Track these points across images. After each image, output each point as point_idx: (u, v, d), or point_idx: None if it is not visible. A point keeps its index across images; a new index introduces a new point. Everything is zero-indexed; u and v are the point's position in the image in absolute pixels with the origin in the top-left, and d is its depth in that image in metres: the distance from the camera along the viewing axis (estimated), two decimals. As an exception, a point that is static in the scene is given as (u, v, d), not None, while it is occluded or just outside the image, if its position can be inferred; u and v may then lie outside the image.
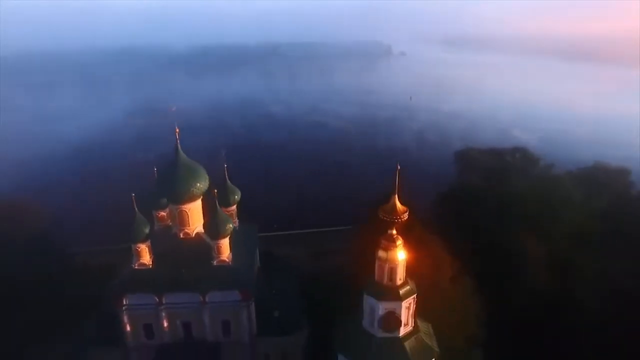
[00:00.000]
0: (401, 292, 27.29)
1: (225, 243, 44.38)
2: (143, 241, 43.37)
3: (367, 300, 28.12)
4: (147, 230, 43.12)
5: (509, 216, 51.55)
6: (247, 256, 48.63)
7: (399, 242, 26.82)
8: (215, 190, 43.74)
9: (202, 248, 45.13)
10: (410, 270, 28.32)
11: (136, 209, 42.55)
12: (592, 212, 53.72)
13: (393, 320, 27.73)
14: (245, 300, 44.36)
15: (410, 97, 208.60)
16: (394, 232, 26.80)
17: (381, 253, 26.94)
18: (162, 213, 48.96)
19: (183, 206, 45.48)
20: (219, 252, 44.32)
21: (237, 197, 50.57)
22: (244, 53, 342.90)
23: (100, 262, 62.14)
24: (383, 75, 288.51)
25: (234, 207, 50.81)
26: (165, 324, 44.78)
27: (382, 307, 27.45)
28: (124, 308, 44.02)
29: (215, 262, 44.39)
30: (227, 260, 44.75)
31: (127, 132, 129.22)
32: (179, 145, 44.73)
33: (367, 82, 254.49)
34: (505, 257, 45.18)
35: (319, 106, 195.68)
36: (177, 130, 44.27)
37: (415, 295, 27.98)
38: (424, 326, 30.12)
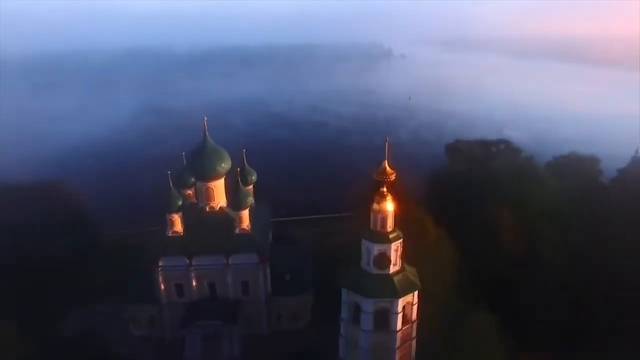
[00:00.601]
0: (390, 236, 35.78)
1: (245, 214, 53.05)
2: (176, 212, 52.07)
3: (364, 244, 36.61)
4: (179, 203, 51.82)
5: (488, 196, 59.97)
6: (263, 228, 57.29)
7: (388, 197, 35.34)
8: (238, 169, 52.48)
9: (225, 219, 53.86)
10: (398, 225, 36.83)
11: (171, 184, 51.28)
12: (561, 192, 62.38)
13: (384, 260, 36.21)
14: (262, 262, 53.00)
15: (409, 98, 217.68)
16: (385, 189, 35.34)
17: (375, 206, 35.48)
18: (189, 191, 57.68)
19: (209, 183, 54.25)
20: (240, 221, 52.99)
21: (253, 178, 59.24)
22: (247, 55, 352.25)
23: (128, 242, 70.93)
24: (383, 77, 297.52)
25: (251, 186, 59.36)
26: (194, 284, 53.40)
27: (376, 249, 35.95)
28: (159, 269, 52.64)
29: (237, 231, 53.04)
30: (247, 228, 53.42)
31: (142, 128, 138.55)
32: (206, 132, 53.52)
33: (367, 83, 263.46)
34: (482, 228, 53.70)
35: (320, 106, 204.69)
36: (205, 119, 53.11)
37: (401, 240, 36.46)
38: (409, 268, 38.53)
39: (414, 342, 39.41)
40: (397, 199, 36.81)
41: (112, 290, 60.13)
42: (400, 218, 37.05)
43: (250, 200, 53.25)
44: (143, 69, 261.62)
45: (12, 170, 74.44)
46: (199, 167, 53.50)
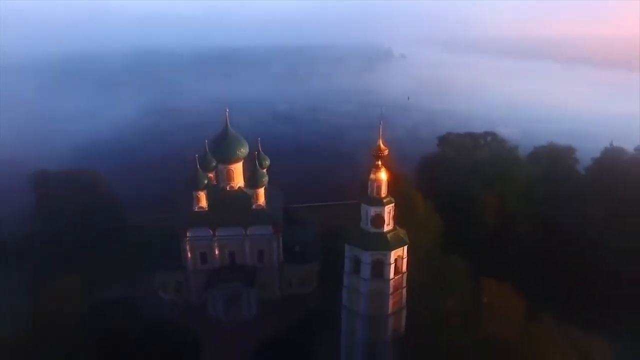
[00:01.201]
0: (384, 201, 44.83)
1: (261, 192, 62.21)
2: (202, 190, 61.21)
3: (363, 208, 45.67)
4: (205, 182, 60.96)
5: (473, 179, 69.33)
6: (276, 205, 66.31)
7: (382, 168, 44.43)
8: (256, 152, 61.68)
9: (244, 196, 63.03)
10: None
11: (198, 166, 60.44)
12: (536, 176, 71.68)
13: (379, 220, 45.28)
14: (275, 233, 62.14)
15: (408, 97, 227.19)
16: (379, 162, 44.44)
17: (372, 175, 44.57)
18: (211, 175, 66.75)
19: (230, 166, 63.47)
20: (257, 198, 62.14)
21: (267, 162, 68.19)
22: (250, 56, 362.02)
23: (152, 222, 79.94)
24: (383, 77, 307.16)
25: (265, 170, 68.37)
26: (216, 252, 62.46)
27: (372, 211, 45.02)
28: (187, 239, 61.72)
29: (254, 206, 62.17)
30: (262, 205, 62.56)
31: (152, 125, 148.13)
32: (228, 121, 62.72)
33: (366, 83, 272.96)
34: (466, 204, 62.87)
35: (321, 105, 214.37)
36: (227, 110, 62.32)
37: (393, 205, 45.50)
38: (400, 229, 47.51)
39: (404, 291, 48.42)
40: (392, 179, 46.00)
41: (140, 264, 69.20)
42: (394, 193, 46.18)
43: (266, 180, 62.42)
44: (150, 70, 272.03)
45: (52, 160, 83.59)
46: (221, 151, 62.72)
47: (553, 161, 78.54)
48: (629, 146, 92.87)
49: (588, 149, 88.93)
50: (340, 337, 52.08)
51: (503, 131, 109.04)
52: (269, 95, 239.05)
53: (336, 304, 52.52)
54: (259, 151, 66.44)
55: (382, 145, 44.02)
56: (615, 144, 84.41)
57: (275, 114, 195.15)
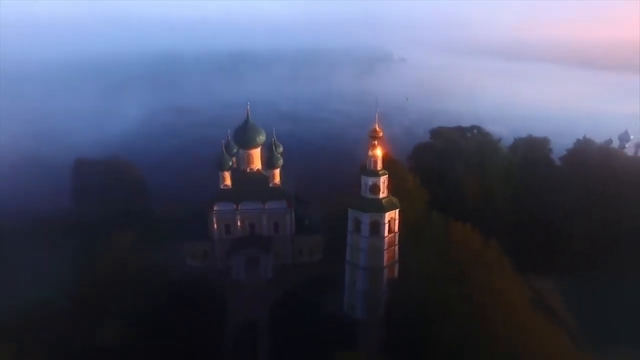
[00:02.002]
0: (380, 173, 56.95)
1: (277, 172, 74.35)
2: (227, 170, 73.28)
3: (363, 178, 57.79)
4: (230, 163, 73.07)
5: (459, 164, 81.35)
6: (289, 185, 78.31)
7: (378, 147, 56.53)
8: (273, 139, 73.84)
9: (262, 177, 75.26)
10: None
11: (223, 150, 72.52)
12: (514, 163, 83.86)
13: (376, 188, 57.39)
14: (289, 208, 74.16)
15: (407, 98, 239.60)
16: (375, 142, 56.52)
17: (369, 152, 56.74)
18: (233, 159, 78.78)
19: (250, 151, 75.72)
20: (273, 177, 74.27)
21: (281, 149, 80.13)
22: (257, 58, 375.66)
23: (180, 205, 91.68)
24: (383, 79, 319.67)
25: (280, 155, 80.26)
26: (238, 224, 74.43)
27: (370, 181, 57.15)
28: (213, 213, 73.68)
29: (270, 185, 74.23)
30: (278, 183, 74.64)
31: (167, 123, 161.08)
32: (249, 113, 74.91)
33: (366, 84, 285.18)
34: (451, 184, 74.96)
35: (321, 105, 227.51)
36: (249, 104, 74.56)
37: (387, 176, 57.60)
38: (393, 197, 59.52)
39: (396, 248, 60.53)
40: (388, 162, 58.21)
41: (171, 236, 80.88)
42: (390, 174, 58.15)
43: (280, 162, 74.49)
44: (160, 72, 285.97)
45: (89, 150, 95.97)
46: (243, 139, 74.91)
47: (530, 150, 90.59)
48: (602, 139, 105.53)
49: (567, 143, 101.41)
50: (341, 297, 64.09)
51: (491, 127, 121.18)
52: (273, 95, 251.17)
53: (338, 270, 64.51)
54: (274, 139, 78.49)
55: (377, 128, 56.30)
56: (588, 137, 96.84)
57: (279, 113, 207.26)
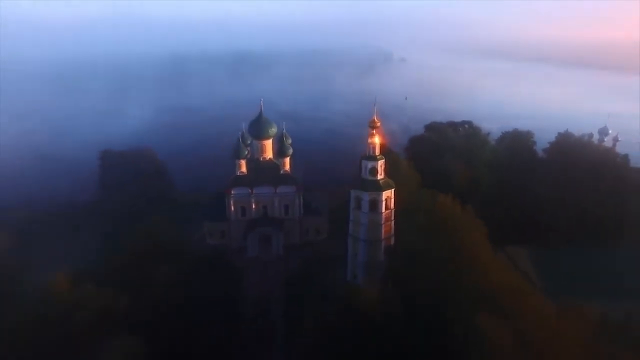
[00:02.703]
0: (377, 157, 67.11)
1: (287, 160, 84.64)
2: (243, 158, 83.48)
3: (363, 163, 67.91)
4: (245, 152, 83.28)
5: (449, 153, 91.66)
6: (297, 173, 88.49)
7: (376, 135, 66.67)
8: (284, 131, 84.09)
9: (274, 164, 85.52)
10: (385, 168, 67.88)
11: (240, 140, 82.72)
12: (500, 153, 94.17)
13: (374, 171, 67.54)
14: (298, 192, 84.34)
15: (406, 98, 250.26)
16: (374, 131, 66.65)
17: (369, 140, 66.88)
18: (248, 149, 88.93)
19: (263, 141, 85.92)
20: (283, 165, 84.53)
21: (290, 141, 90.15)
22: (254, 59, 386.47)
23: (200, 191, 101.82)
24: (383, 79, 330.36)
25: (289, 145, 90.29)
26: (253, 206, 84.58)
27: (369, 164, 67.29)
28: (231, 196, 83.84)
29: (281, 172, 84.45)
30: (288, 170, 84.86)
31: (180, 120, 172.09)
32: (262, 108, 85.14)
33: (366, 84, 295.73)
34: (441, 171, 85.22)
35: (321, 105, 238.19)
36: (262, 99, 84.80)
37: (384, 160, 67.72)
38: (390, 179, 69.65)
39: (392, 223, 70.55)
40: (385, 152, 68.27)
41: (191, 219, 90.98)
42: (386, 161, 68.27)
43: (290, 152, 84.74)
44: (170, 73, 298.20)
45: (111, 145, 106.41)
46: (257, 130, 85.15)
47: (515, 143, 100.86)
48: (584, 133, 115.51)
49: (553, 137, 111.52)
50: (344, 269, 74.07)
51: (482, 123, 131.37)
52: (272, 95, 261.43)
53: (340, 248, 74.50)
54: (284, 131, 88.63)
55: (375, 119, 66.52)
56: (569, 131, 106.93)
57: (277, 112, 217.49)
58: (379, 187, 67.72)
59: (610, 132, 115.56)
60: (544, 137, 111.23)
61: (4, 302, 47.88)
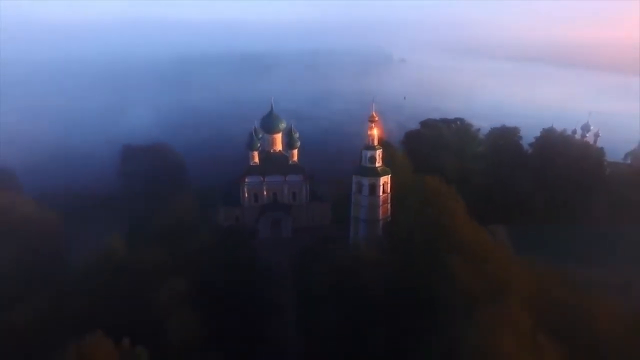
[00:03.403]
0: (376, 147, 77.81)
1: (295, 152, 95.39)
2: (255, 150, 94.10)
3: (363, 152, 78.61)
4: (258, 144, 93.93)
5: (441, 147, 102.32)
6: (304, 164, 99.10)
7: (375, 128, 77.32)
8: (292, 125, 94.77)
9: (283, 156, 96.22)
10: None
11: (253, 133, 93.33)
12: (489, 146, 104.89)
13: (373, 159, 78.26)
14: (305, 180, 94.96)
15: (405, 97, 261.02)
16: (373, 124, 77.30)
17: (368, 132, 77.56)
18: (259, 142, 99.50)
19: (273, 135, 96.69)
20: (292, 156, 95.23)
21: (297, 135, 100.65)
22: (260, 60, 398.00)
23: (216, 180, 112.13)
24: (382, 79, 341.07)
25: (297, 138, 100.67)
26: (264, 193, 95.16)
27: (369, 153, 78.00)
28: (244, 184, 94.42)
29: (290, 162, 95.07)
30: (296, 161, 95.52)
31: (192, 117, 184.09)
32: (272, 105, 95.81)
33: (367, 84, 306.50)
34: (433, 163, 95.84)
35: (321, 104, 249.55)
36: (272, 97, 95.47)
37: (381, 150, 78.39)
38: (386, 167, 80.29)
39: (389, 205, 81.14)
40: (382, 144, 78.97)
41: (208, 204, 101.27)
42: (383, 152, 78.90)
43: (298, 144, 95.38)
44: (179, 73, 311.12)
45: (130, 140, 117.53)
46: (268, 125, 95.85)
47: (502, 137, 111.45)
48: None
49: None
50: (346, 248, 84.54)
51: (475, 120, 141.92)
52: (273, 94, 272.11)
53: (342, 231, 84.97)
54: (292, 126, 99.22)
55: (374, 114, 77.25)
56: (553, 127, 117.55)
57: (278, 110, 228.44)
58: (377, 173, 78.39)
59: (591, 128, 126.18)
60: (533, 133, 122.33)
61: (64, 261, 58.48)
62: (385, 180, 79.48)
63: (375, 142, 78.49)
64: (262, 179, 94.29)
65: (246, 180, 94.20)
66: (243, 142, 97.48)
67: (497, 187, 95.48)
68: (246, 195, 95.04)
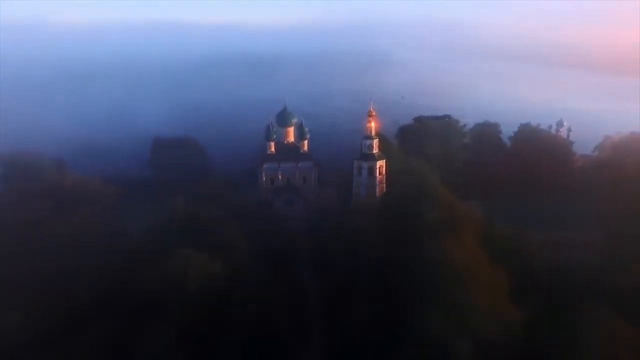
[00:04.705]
0: (373, 136, 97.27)
1: (306, 143, 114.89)
2: (272, 140, 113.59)
3: (363, 141, 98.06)
4: (274, 136, 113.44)
5: (430, 140, 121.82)
6: (313, 153, 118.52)
7: (373, 122, 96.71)
8: (302, 120, 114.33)
9: (295, 146, 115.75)
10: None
11: (270, 126, 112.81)
12: (472, 139, 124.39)
13: (371, 147, 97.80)
14: (314, 167, 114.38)
15: (402, 97, 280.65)
16: (371, 118, 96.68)
17: (367, 125, 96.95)
18: (275, 134, 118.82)
19: (287, 128, 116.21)
20: (303, 147, 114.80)
21: (307, 129, 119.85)
22: (259, 61, 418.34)
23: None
24: (382, 80, 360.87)
25: (307, 131, 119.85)
26: (280, 178, 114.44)
27: (368, 142, 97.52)
28: (262, 169, 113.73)
29: (301, 151, 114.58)
30: (306, 150, 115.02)
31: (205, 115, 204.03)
32: (286, 104, 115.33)
33: (367, 84, 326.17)
34: (422, 152, 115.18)
35: (321, 103, 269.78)
36: (285, 97, 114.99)
37: (378, 139, 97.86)
38: (382, 154, 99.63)
39: (384, 185, 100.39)
40: (379, 137, 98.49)
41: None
42: (380, 141, 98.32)
43: (308, 135, 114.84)
44: (191, 75, 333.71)
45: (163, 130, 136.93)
46: (282, 120, 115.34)
47: (484, 132, 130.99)
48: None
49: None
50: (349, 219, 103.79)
51: (463, 117, 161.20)
52: (273, 94, 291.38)
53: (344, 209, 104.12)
54: (302, 121, 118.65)
55: (371, 109, 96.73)
56: (529, 122, 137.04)
57: (296, 107, 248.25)
58: (374, 158, 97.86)
59: (565, 124, 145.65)
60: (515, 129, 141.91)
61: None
62: (381, 164, 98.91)
63: (373, 133, 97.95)
64: (277, 165, 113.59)
65: (264, 166, 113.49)
66: (254, 136, 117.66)
67: (476, 172, 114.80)
68: (264, 179, 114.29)
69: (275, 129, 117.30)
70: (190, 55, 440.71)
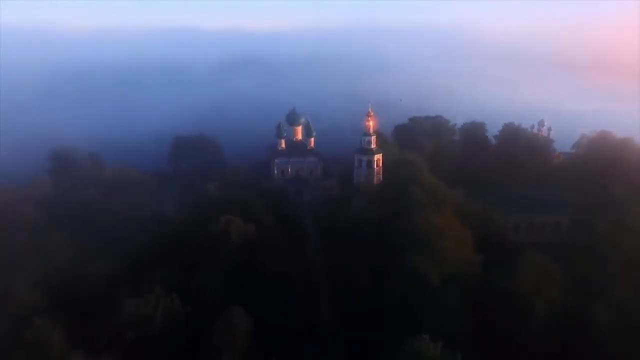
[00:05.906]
0: (372, 134, 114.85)
1: (312, 140, 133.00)
2: (282, 138, 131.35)
3: (362, 137, 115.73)
4: (285, 134, 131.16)
5: (422, 137, 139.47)
6: (320, 149, 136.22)
7: (372, 120, 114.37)
8: (309, 120, 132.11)
9: (303, 143, 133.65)
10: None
11: (281, 125, 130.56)
12: (461, 137, 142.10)
13: (369, 142, 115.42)
14: (319, 162, 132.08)
15: (400, 99, 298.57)
16: (369, 117, 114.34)
17: (366, 123, 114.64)
18: (285, 132, 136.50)
19: (296, 127, 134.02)
20: (310, 144, 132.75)
21: (313, 128, 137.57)
22: (260, 63, 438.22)
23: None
24: (381, 82, 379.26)
25: (313, 130, 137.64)
26: (289, 170, 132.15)
27: (366, 138, 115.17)
28: (274, 163, 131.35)
29: (308, 147, 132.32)
30: (313, 147, 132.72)
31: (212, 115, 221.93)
32: (295, 107, 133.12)
33: (365, 86, 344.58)
34: (415, 148, 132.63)
35: (324, 104, 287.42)
36: (294, 100, 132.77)
37: (376, 136, 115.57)
38: (380, 147, 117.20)
39: (381, 175, 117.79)
40: (377, 134, 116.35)
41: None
42: (377, 137, 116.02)
43: (314, 134, 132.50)
44: (187, 77, 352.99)
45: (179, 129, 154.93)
46: (291, 120, 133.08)
47: (472, 131, 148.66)
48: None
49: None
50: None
51: (454, 117, 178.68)
52: (275, 96, 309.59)
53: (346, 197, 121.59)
54: (309, 121, 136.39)
55: (370, 110, 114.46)
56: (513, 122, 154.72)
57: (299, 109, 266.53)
58: (372, 152, 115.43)
59: (545, 123, 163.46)
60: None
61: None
62: (378, 157, 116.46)
63: (371, 130, 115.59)
64: (287, 160, 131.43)
65: (276, 160, 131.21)
66: (262, 136, 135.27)
67: (463, 165, 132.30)
68: (276, 171, 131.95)
69: (285, 128, 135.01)
70: (199, 59, 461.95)
